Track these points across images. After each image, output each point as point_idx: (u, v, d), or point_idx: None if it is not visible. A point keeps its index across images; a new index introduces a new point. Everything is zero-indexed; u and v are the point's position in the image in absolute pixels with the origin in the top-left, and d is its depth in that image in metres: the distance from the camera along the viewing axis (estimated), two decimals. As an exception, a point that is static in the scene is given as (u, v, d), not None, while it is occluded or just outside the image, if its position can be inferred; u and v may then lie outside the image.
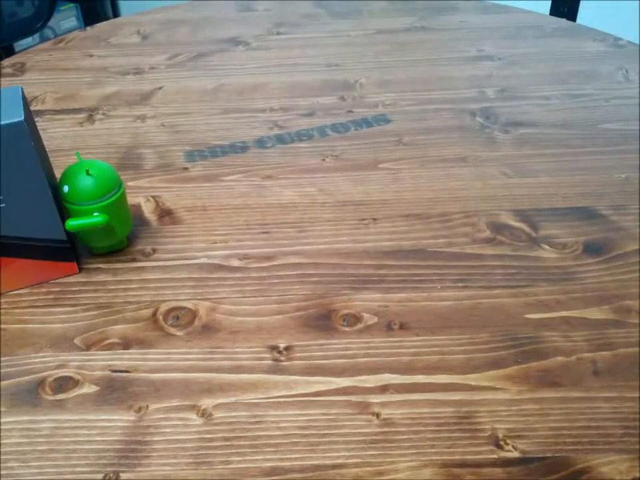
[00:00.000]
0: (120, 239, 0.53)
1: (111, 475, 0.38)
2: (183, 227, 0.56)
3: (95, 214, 0.49)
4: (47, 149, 0.67)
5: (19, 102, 0.45)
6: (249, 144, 0.67)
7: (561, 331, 0.46)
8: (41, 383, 0.44)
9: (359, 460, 0.38)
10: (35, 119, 0.72)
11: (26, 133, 0.44)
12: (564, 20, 0.91)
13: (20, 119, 0.44)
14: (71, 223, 0.48)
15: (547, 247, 0.52)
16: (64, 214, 0.50)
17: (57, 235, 0.49)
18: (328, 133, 0.68)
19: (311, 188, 0.60)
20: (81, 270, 0.52)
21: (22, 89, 0.47)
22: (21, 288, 0.51)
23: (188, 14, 0.98)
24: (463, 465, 0.38)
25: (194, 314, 0.48)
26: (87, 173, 0.49)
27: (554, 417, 0.40)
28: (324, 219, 0.56)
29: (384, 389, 0.42)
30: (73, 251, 0.51)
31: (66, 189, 0.49)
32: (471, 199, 0.57)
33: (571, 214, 0.55)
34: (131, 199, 0.59)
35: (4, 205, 0.46)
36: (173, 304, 0.49)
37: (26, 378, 0.44)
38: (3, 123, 0.43)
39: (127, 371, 0.44)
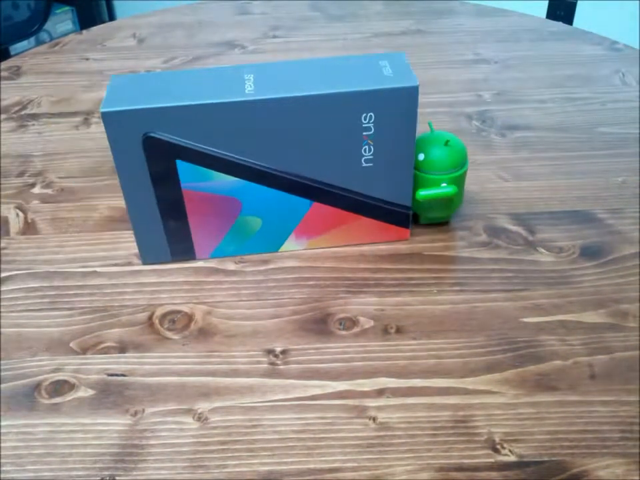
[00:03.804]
0: (451, 213, 0.54)
1: (107, 478, 0.38)
2: (179, 231, 0.56)
3: (443, 184, 0.51)
4: (43, 153, 0.67)
5: (407, 66, 0.48)
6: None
7: (558, 335, 0.46)
8: (37, 386, 0.43)
9: (356, 464, 0.38)
10: (31, 123, 0.72)
11: (416, 97, 0.46)
12: (560, 23, 0.92)
13: (415, 84, 0.46)
14: (422, 193, 0.51)
15: (544, 251, 0.52)
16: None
17: (405, 200, 0.52)
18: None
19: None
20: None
21: (405, 55, 0.51)
22: (356, 245, 0.54)
23: (184, 17, 0.98)
24: (459, 468, 0.38)
25: (190, 317, 0.48)
26: (446, 144, 0.51)
27: (551, 421, 0.40)
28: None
29: (380, 392, 0.42)
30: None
31: (421, 156, 0.51)
32: (468, 203, 0.57)
33: (568, 217, 0.56)
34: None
35: (372, 164, 0.49)
36: (169, 307, 0.49)
37: (22, 382, 0.44)
38: (399, 85, 0.46)
39: (123, 375, 0.44)
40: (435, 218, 0.54)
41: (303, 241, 0.53)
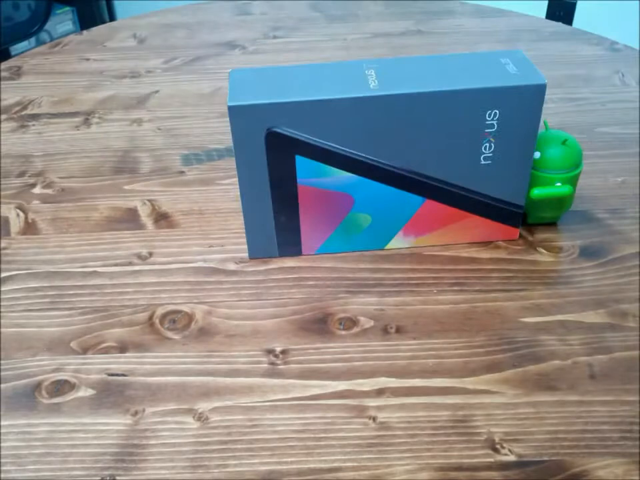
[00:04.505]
0: (561, 213, 0.54)
1: (108, 478, 0.38)
2: (179, 231, 0.56)
3: (558, 184, 0.51)
4: (43, 153, 0.67)
5: (531, 64, 0.47)
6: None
7: (557, 335, 0.46)
8: (38, 386, 0.43)
9: (356, 463, 0.38)
10: (32, 123, 0.72)
11: (544, 95, 0.46)
12: (560, 24, 0.92)
13: (543, 82, 0.45)
14: (537, 192, 0.50)
15: (543, 251, 0.52)
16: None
17: (518, 199, 0.51)
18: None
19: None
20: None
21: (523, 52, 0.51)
22: (464, 243, 0.53)
23: (184, 18, 0.98)
24: (459, 468, 0.38)
25: (190, 317, 0.48)
26: (564, 143, 0.50)
27: (550, 421, 0.40)
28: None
29: (380, 392, 0.42)
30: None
31: (537, 155, 0.51)
32: (468, 203, 0.57)
33: (568, 217, 0.56)
34: (127, 203, 0.59)
35: (490, 162, 0.48)
36: (170, 307, 0.49)
37: (22, 381, 0.44)
38: (527, 83, 0.46)
39: (123, 375, 0.44)
40: (545, 218, 0.54)
41: (410, 239, 0.53)
